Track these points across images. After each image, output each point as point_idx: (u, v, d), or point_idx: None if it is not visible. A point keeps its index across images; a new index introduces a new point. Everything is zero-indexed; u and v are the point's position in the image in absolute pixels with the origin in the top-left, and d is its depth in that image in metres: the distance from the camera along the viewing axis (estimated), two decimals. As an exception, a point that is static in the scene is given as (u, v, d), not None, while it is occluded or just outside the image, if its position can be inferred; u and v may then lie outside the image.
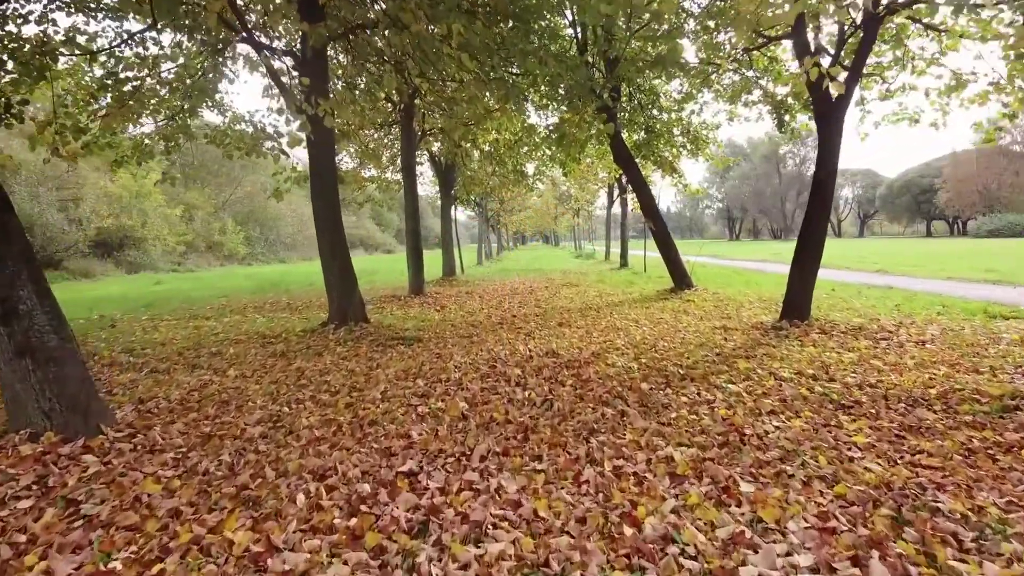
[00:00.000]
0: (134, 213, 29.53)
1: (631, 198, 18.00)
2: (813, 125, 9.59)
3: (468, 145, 15.73)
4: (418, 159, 16.59)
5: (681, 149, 10.51)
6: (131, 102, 6.59)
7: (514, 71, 8.14)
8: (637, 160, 10.53)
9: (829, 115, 6.55)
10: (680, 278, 10.84)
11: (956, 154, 66.43)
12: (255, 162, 39.61)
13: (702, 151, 10.45)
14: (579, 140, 6.11)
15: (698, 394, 4.13)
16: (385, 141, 15.04)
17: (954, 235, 70.14)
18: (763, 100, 9.01)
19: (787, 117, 8.87)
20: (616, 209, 24.50)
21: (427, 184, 22.40)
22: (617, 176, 17.96)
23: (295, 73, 7.04)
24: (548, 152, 11.64)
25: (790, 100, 8.78)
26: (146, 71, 6.59)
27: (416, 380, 4.69)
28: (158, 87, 7.25)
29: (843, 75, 6.22)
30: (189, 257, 33.04)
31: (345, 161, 15.48)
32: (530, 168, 17.39)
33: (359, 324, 6.91)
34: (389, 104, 11.52)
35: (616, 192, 22.38)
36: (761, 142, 74.85)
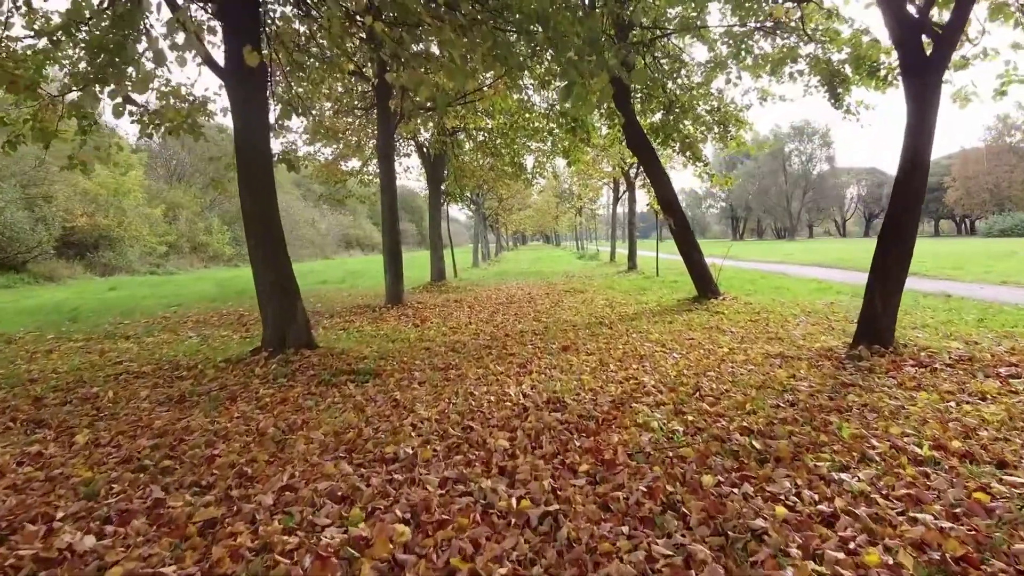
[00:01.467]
0: (111, 212, 27.86)
1: (641, 192, 16.39)
2: (871, 100, 8.04)
3: (461, 134, 14.10)
4: (405, 150, 14.97)
5: (707, 132, 8.81)
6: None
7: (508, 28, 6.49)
8: (655, 145, 8.86)
9: (923, 75, 4.90)
10: (704, 285, 9.19)
11: (965, 152, 65.02)
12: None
13: (736, 135, 8.73)
14: (592, 99, 4.57)
15: (798, 495, 2.48)
16: (368, 130, 13.40)
17: (961, 234, 68.65)
18: (813, 70, 7.35)
19: (841, 90, 7.22)
20: (622, 207, 22.91)
21: (423, 179, 20.77)
22: (625, 169, 16.34)
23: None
24: (550, 134, 9.99)
25: (846, 69, 7.13)
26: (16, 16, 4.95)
27: (346, 459, 3.04)
28: (48, 44, 5.61)
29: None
30: (170, 259, 31.36)
31: (322, 153, 13.88)
32: (529, 162, 15.77)
33: (301, 352, 5.25)
34: (369, 87, 9.88)
35: (622, 188, 20.74)
36: (766, 139, 73.05)
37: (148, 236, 29.46)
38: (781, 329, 6.71)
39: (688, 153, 8.93)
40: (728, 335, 6.46)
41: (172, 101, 7.03)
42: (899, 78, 6.67)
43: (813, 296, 9.97)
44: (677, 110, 8.41)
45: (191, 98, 6.89)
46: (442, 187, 16.32)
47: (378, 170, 9.92)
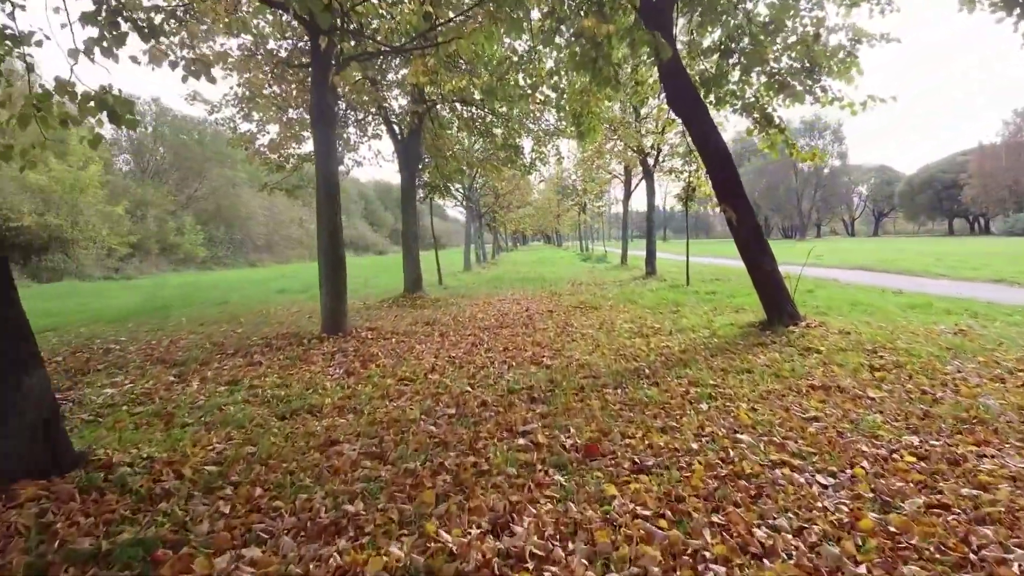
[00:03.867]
0: (63, 211, 25.00)
1: (660, 184, 13.60)
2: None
3: (444, 110, 11.34)
4: (374, 130, 12.18)
5: (792, 77, 5.81)
6: None
7: None
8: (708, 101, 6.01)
9: None
10: (778, 305, 6.36)
11: (983, 147, 62.40)
12: (221, 152, 35.17)
13: (842, 79, 5.67)
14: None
15: None
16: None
17: (975, 233, 66.13)
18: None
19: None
20: (634, 205, 20.13)
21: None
22: (645, 151, 13.54)
23: None
24: (555, 91, 7.14)
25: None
26: None
27: None
28: None
29: None
30: (133, 261, 28.51)
31: (268, 132, 11.08)
32: (527, 146, 12.96)
33: (30, 488, 2.42)
34: (292, 19, 7.06)
35: (635, 180, 17.93)
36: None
37: (107, 237, 26.60)
38: (951, 393, 3.90)
39: (756, 115, 6.11)
40: (874, 410, 3.63)
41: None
42: None
43: (914, 315, 7.18)
44: (745, 47, 5.52)
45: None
46: (424, 176, 13.55)
47: (320, 144, 7.02)
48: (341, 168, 12.23)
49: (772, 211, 77.34)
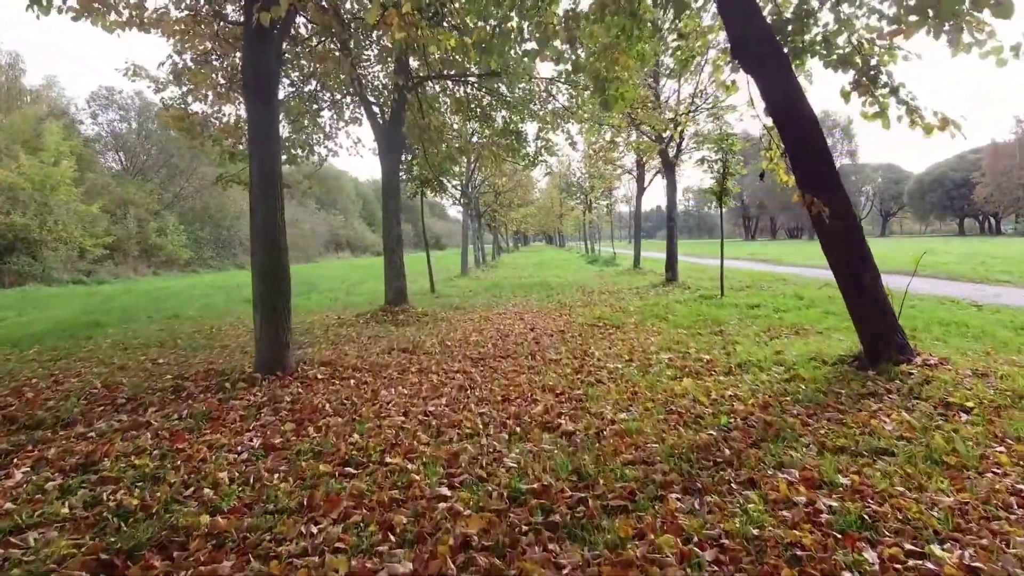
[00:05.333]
0: (31, 209, 23.22)
1: (682, 177, 11.91)
2: None
3: (437, 89, 9.62)
4: (353, 113, 10.45)
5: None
6: None
7: None
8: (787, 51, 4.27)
9: None
10: (881, 333, 4.58)
11: (996, 145, 60.75)
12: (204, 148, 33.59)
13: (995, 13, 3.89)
14: None
15: None
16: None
17: (985, 233, 64.59)
18: None
19: None
20: (647, 202, 18.40)
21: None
22: (667, 138, 11.82)
23: None
24: (571, 47, 5.35)
25: None
26: None
27: None
28: None
29: None
30: (108, 264, 26.72)
31: (225, 114, 9.34)
32: (531, 132, 11.19)
33: None
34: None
35: (651, 173, 16.17)
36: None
37: (80, 238, 24.82)
38: None
39: (856, 71, 4.36)
40: None
41: None
42: None
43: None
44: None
45: None
46: (414, 170, 11.82)
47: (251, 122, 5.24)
48: (313, 158, 10.50)
49: (782, 210, 75.70)
